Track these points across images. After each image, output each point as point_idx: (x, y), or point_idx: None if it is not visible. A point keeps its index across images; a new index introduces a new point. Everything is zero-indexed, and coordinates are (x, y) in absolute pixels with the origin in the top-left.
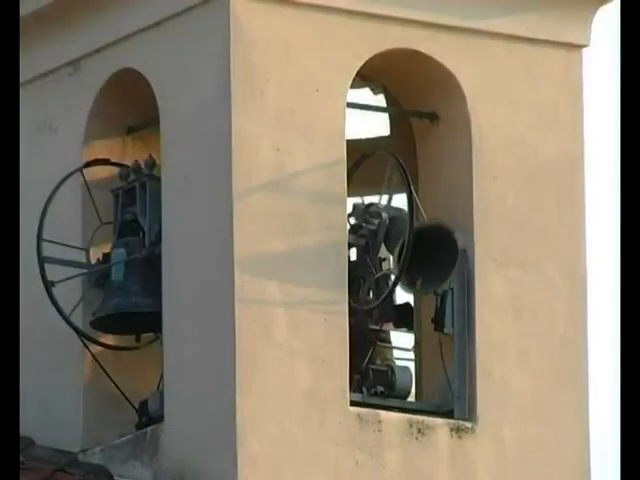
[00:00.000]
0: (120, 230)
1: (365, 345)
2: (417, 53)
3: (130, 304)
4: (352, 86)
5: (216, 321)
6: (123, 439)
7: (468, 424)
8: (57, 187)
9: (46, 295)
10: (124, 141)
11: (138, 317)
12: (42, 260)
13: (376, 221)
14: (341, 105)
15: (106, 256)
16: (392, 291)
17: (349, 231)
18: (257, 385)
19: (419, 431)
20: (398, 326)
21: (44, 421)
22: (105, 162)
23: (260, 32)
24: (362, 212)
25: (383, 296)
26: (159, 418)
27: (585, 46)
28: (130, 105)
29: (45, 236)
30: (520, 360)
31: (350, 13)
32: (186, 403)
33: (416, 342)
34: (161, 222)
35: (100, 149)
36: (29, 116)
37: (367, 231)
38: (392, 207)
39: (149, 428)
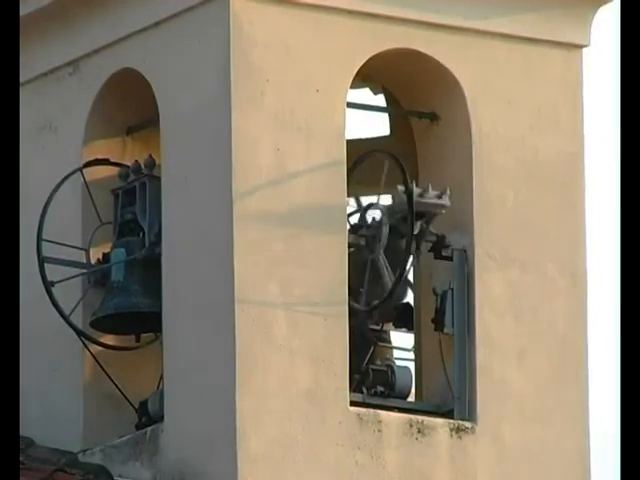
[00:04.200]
0: (120, 230)
1: (365, 345)
2: (417, 53)
3: (130, 304)
4: (352, 86)
5: (216, 321)
6: (123, 439)
7: (468, 424)
8: (57, 187)
9: (46, 295)
10: (124, 141)
11: (138, 317)
12: (42, 260)
13: (376, 221)
14: (341, 105)
15: (106, 256)
16: (392, 291)
17: (349, 231)
18: (257, 385)
19: (419, 431)
20: (398, 326)
21: (44, 421)
22: (105, 162)
23: (260, 32)
24: (362, 212)
25: (383, 296)
26: (159, 418)
27: (585, 46)
28: (130, 105)
29: (45, 236)
30: (520, 360)
31: (350, 13)
32: (186, 403)
33: (416, 342)
34: (161, 222)
35: (100, 149)
36: (29, 116)
37: (367, 231)
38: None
39: (149, 428)
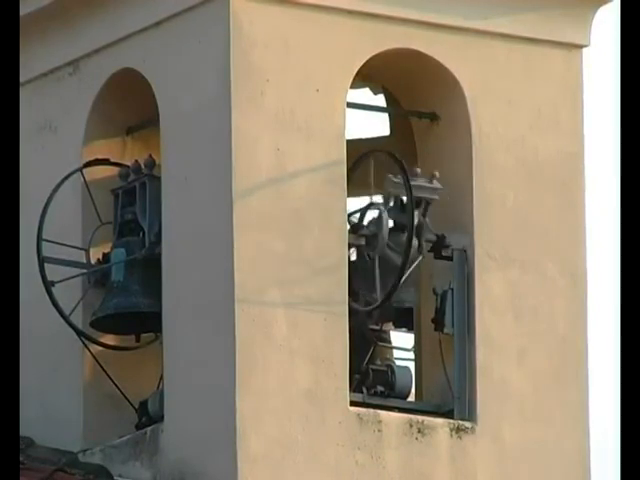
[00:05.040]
0: (120, 230)
1: (365, 345)
2: (417, 53)
3: (130, 304)
4: (352, 86)
5: (216, 321)
6: (123, 439)
7: (468, 424)
8: (57, 187)
9: (46, 295)
10: (124, 141)
11: (138, 317)
12: (42, 260)
13: (376, 221)
14: (341, 105)
15: (106, 256)
16: (392, 291)
17: (349, 231)
18: (257, 385)
19: (419, 431)
20: (398, 326)
21: (44, 421)
22: (105, 162)
23: (260, 32)
24: (362, 212)
25: (383, 296)
26: (159, 418)
27: (585, 46)
28: (130, 105)
29: (45, 236)
30: (520, 360)
31: (350, 13)
32: (186, 403)
33: (416, 342)
34: (161, 222)
35: (100, 149)
36: (29, 116)
37: (367, 231)
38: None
39: (149, 428)
